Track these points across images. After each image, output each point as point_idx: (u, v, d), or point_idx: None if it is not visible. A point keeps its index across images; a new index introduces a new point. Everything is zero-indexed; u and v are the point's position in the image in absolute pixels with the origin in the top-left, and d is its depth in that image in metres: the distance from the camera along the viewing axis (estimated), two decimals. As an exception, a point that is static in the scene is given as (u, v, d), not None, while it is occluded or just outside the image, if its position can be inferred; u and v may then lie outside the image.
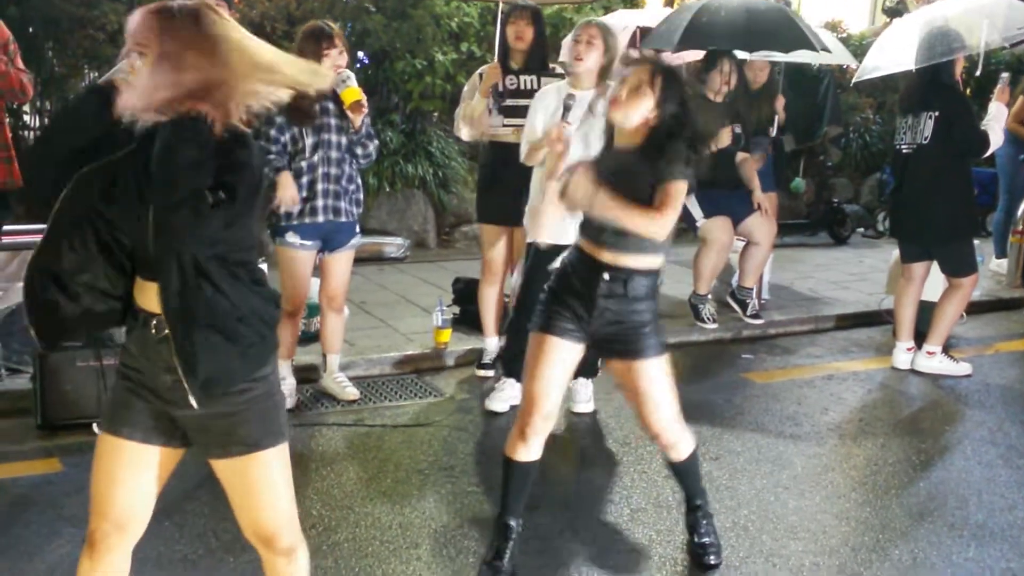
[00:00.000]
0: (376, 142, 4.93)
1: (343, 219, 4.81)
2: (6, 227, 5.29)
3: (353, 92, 4.63)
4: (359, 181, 4.93)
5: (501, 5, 5.39)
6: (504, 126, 5.23)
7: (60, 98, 7.58)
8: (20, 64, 4.90)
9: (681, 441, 3.53)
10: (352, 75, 4.69)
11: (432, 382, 5.55)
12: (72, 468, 4.17)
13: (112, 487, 2.44)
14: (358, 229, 4.99)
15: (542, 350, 3.36)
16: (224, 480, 2.47)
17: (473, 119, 5.22)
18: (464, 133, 5.39)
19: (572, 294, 3.35)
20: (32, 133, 7.71)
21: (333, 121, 4.71)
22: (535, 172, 4.80)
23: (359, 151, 4.82)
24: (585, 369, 5.09)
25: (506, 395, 5.08)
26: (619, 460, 4.60)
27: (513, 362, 5.07)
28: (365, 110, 4.71)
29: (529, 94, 5.10)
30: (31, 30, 5.34)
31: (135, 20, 2.20)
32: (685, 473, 3.65)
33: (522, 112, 5.07)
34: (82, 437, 4.38)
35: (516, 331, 5.04)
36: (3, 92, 4.82)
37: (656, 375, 3.38)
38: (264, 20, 7.96)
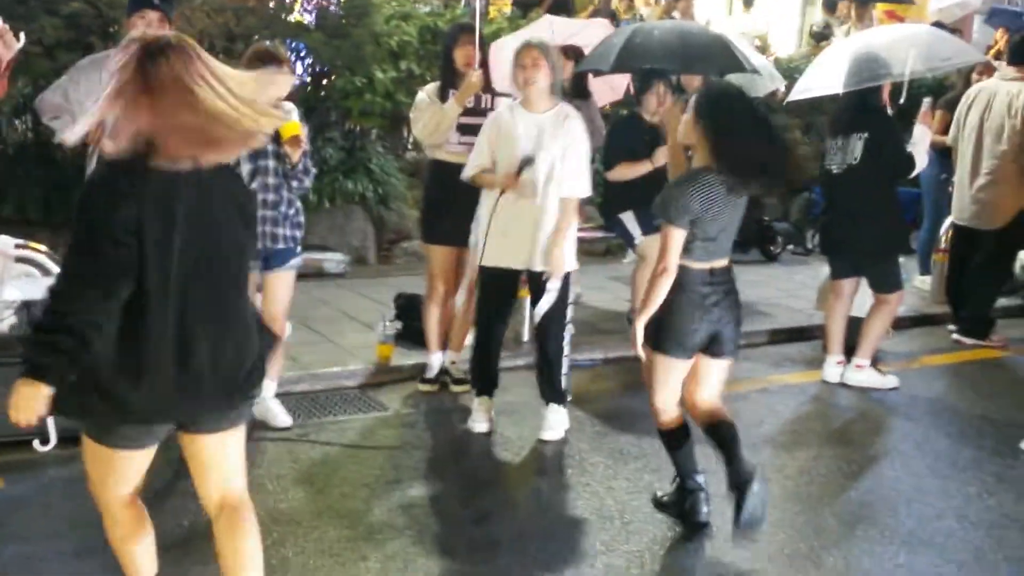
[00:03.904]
0: (313, 173, 4.84)
1: (280, 245, 4.76)
2: None
3: (293, 126, 4.52)
4: (299, 204, 4.87)
5: (479, 20, 5.37)
6: (460, 143, 5.26)
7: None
8: None
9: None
10: (294, 108, 4.60)
11: (375, 397, 5.59)
12: (14, 485, 4.13)
13: None
14: (299, 250, 4.94)
15: None
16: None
17: (440, 125, 5.19)
18: (426, 137, 5.35)
19: None
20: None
21: (270, 147, 4.62)
22: (491, 198, 4.91)
23: (294, 183, 4.75)
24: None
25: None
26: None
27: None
28: (303, 147, 4.63)
29: (483, 113, 5.20)
30: None
31: None
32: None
33: (474, 130, 5.17)
34: (23, 454, 4.34)
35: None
36: None
37: None
38: (204, 37, 7.93)
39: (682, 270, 3.84)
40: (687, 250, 3.83)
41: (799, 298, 8.15)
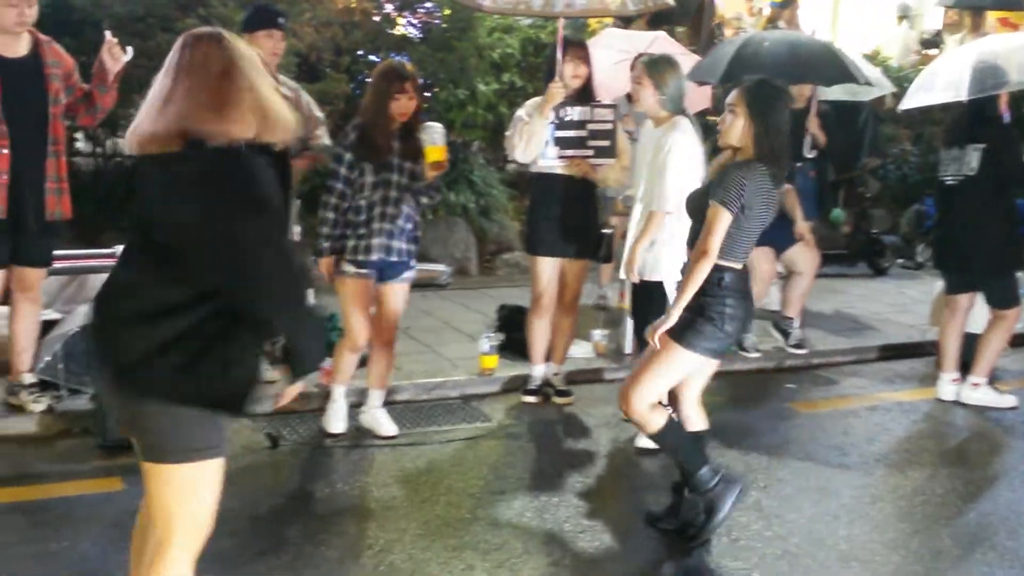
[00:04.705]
0: (440, 189, 5.00)
1: (394, 258, 4.83)
2: (61, 252, 5.37)
3: (439, 151, 4.67)
4: (417, 219, 4.95)
5: (562, 28, 5.44)
6: (559, 157, 5.29)
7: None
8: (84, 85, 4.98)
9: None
10: (442, 131, 4.73)
11: (479, 407, 5.62)
12: (133, 487, 4.22)
13: None
14: (413, 264, 5.00)
15: None
16: None
17: (532, 139, 5.21)
18: (519, 154, 5.37)
19: None
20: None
21: (395, 161, 4.75)
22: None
23: (423, 199, 4.92)
24: None
25: None
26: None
27: None
28: (444, 171, 4.79)
29: (582, 125, 5.23)
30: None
31: None
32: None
33: (576, 143, 5.23)
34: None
35: None
36: (98, 110, 4.91)
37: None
38: (312, 51, 8.12)
39: (736, 273, 3.80)
40: (732, 250, 3.75)
41: (910, 313, 7.94)
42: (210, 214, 2.41)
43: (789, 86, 6.73)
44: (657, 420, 3.91)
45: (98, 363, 2.57)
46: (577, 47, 5.36)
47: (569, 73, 5.27)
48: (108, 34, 4.81)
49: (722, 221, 3.69)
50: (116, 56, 4.79)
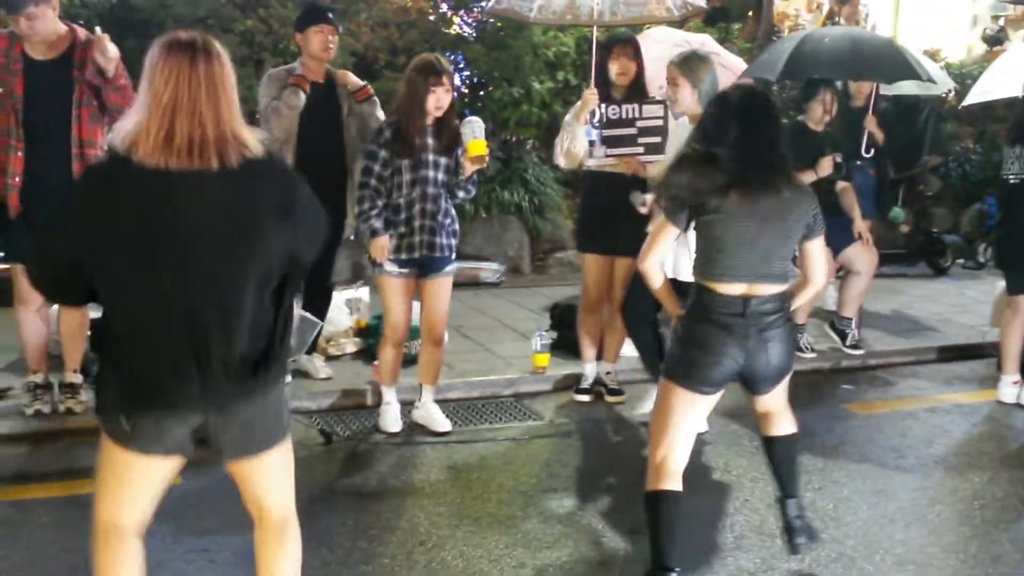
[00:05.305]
0: (476, 185, 5.02)
1: (437, 254, 4.85)
2: None
3: (480, 145, 4.68)
4: (454, 213, 4.96)
5: (596, 31, 5.47)
6: (607, 156, 5.28)
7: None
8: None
9: None
10: (482, 125, 4.74)
11: (531, 406, 5.62)
12: (189, 481, 4.30)
13: None
14: (454, 258, 5.01)
15: None
16: None
17: (574, 143, 5.22)
18: (562, 162, 5.42)
19: None
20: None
21: (431, 157, 4.76)
22: None
23: (460, 193, 4.92)
24: None
25: None
26: (722, 487, 4.61)
27: None
28: (484, 165, 4.81)
29: (630, 123, 5.21)
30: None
31: None
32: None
33: (625, 141, 5.18)
34: (199, 452, 4.52)
35: None
36: (112, 109, 4.62)
37: None
38: (368, 50, 8.19)
39: (707, 292, 3.38)
40: (704, 266, 3.41)
41: (971, 314, 7.80)
42: (295, 210, 2.59)
43: (848, 82, 6.75)
44: (664, 480, 3.49)
45: (209, 379, 2.57)
46: (624, 44, 5.32)
47: (615, 71, 5.26)
48: (98, 30, 4.54)
49: (661, 231, 3.43)
50: (103, 51, 4.46)
